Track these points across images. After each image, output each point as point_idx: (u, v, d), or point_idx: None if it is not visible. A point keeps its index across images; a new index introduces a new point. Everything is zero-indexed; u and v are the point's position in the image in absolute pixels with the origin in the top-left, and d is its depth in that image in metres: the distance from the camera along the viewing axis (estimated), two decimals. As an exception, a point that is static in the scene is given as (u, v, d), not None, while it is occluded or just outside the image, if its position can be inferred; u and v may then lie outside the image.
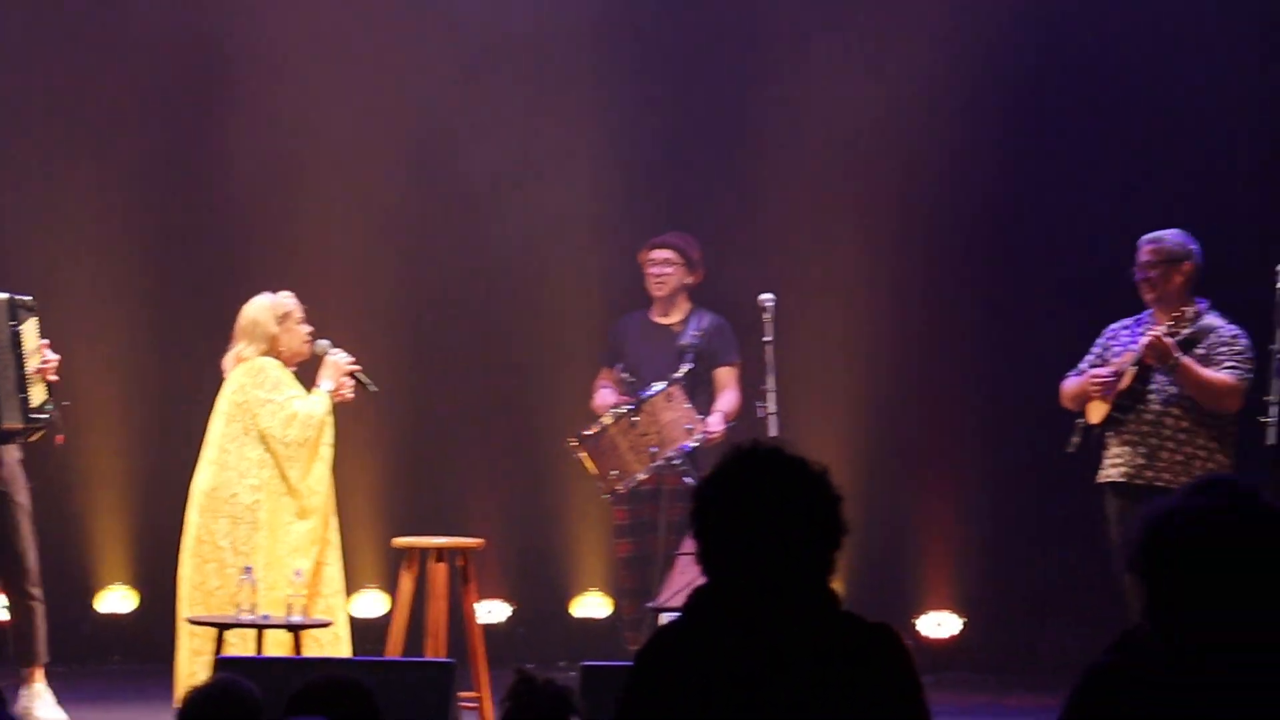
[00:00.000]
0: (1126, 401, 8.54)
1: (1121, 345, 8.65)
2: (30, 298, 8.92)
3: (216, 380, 8.84)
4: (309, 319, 8.92)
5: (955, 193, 10.90)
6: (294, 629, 8.20)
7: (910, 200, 10.86)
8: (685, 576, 7.92)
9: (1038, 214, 10.87)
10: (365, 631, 10.62)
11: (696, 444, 9.57)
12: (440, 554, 8.77)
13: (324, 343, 8.93)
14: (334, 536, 8.79)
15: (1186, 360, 8.37)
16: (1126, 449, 8.55)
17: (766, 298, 9.51)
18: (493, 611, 10.98)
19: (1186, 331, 8.42)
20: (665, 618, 8.43)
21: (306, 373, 8.89)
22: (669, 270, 9.98)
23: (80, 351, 10.02)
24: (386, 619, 9.36)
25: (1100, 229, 10.30)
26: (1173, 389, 8.46)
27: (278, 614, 8.24)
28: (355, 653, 8.83)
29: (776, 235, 10.86)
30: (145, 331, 10.99)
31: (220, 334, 8.96)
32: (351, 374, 8.90)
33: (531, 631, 11.15)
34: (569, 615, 11.10)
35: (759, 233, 10.88)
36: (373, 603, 10.95)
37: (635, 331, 10.07)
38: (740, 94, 11.07)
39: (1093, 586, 9.56)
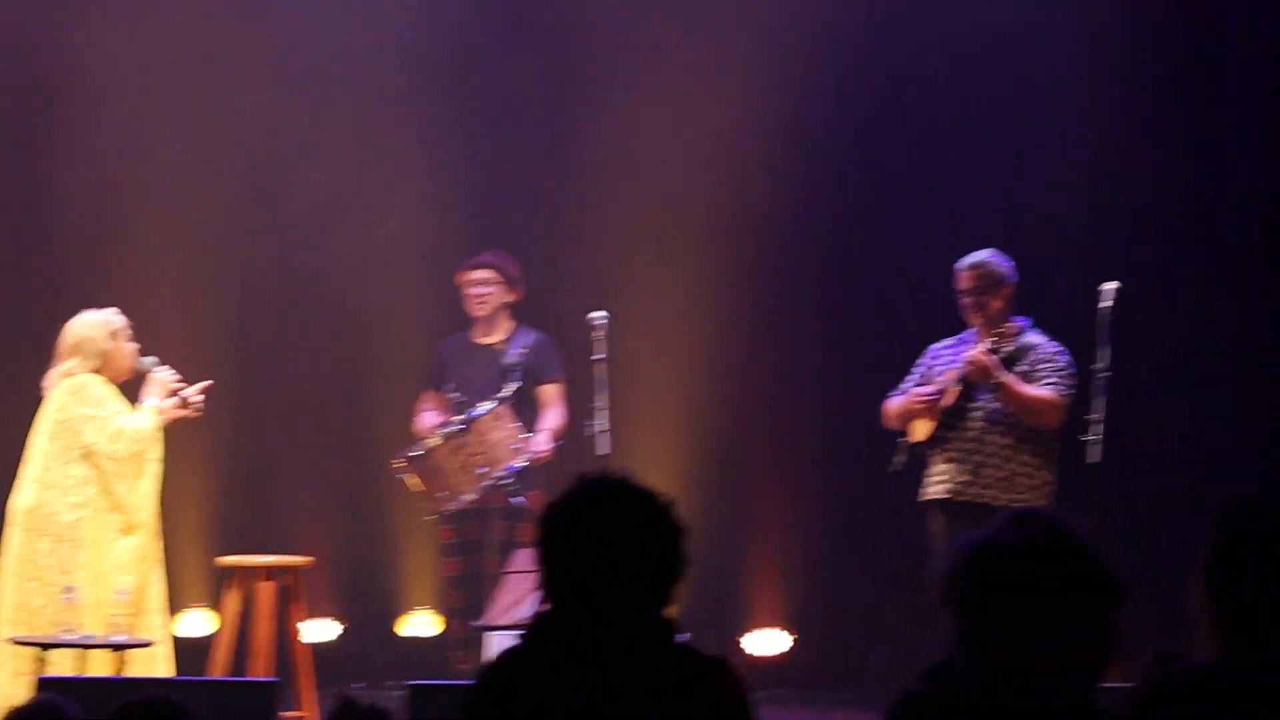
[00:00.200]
0: (950, 419, 8.63)
1: (944, 364, 8.75)
2: None
3: (37, 399, 8.72)
4: (133, 337, 8.83)
5: (786, 215, 10.96)
6: (117, 648, 8.10)
7: (741, 221, 10.91)
8: (512, 595, 7.91)
9: (866, 236, 10.95)
10: (191, 650, 10.51)
11: (525, 463, 9.56)
12: (267, 572, 8.71)
13: (149, 359, 8.84)
14: (158, 554, 8.69)
15: (1009, 378, 8.47)
16: (950, 466, 8.64)
17: (597, 315, 9.52)
18: (321, 630, 10.89)
19: (1008, 349, 8.49)
20: (493, 636, 8.42)
21: (127, 391, 8.78)
22: (488, 290, 9.97)
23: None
24: (213, 638, 9.25)
25: (927, 250, 10.39)
26: (995, 406, 8.57)
27: (101, 633, 8.13)
28: (180, 672, 8.73)
29: (607, 255, 10.88)
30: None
31: (39, 353, 8.83)
32: (177, 392, 8.79)
33: (360, 650, 11.07)
34: (397, 634, 11.04)
35: (589, 252, 10.90)
36: (199, 622, 10.83)
37: (458, 353, 10.05)
38: (571, 117, 11.08)
39: (919, 604, 9.65)
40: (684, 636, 3.93)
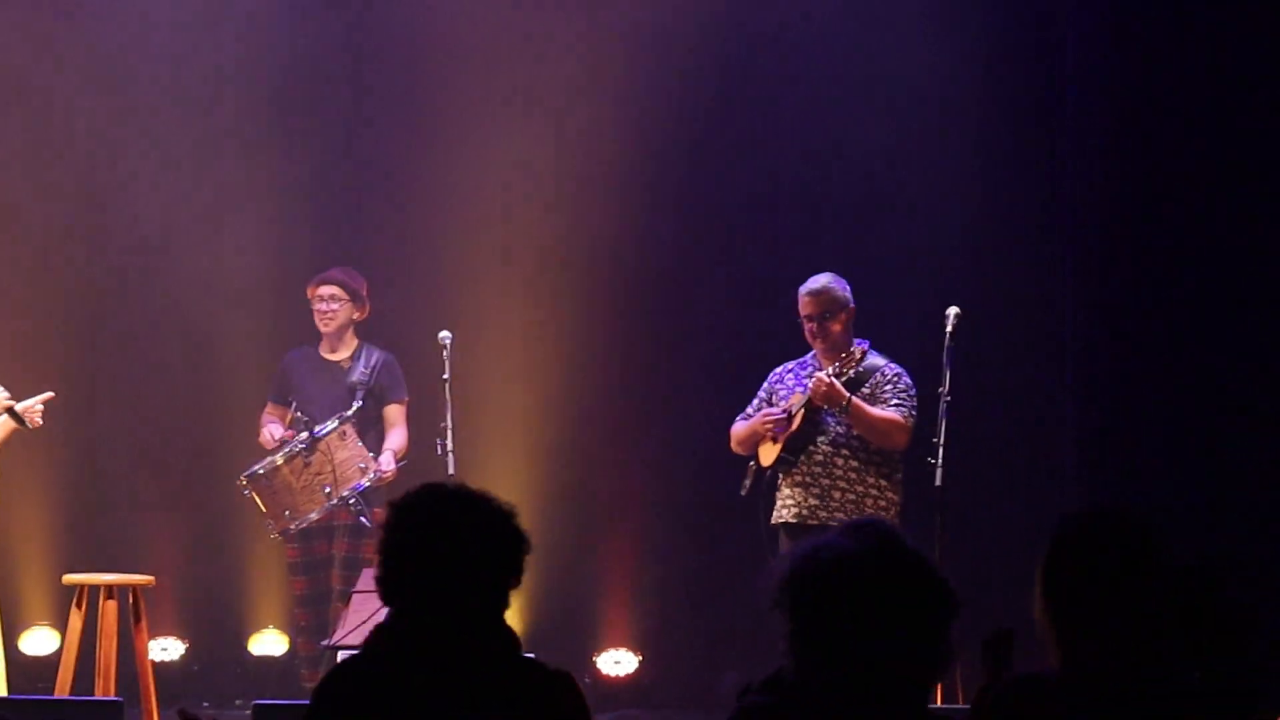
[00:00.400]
0: (797, 443, 8.69)
1: (788, 389, 8.81)
2: None
3: None
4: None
5: (632, 238, 10.99)
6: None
7: (587, 243, 10.93)
8: (360, 614, 7.87)
9: (711, 259, 11.00)
10: (35, 669, 10.42)
11: (369, 483, 9.53)
12: (110, 591, 8.62)
13: None
14: None
15: (856, 401, 8.54)
16: (799, 490, 8.70)
17: (444, 335, 9.51)
18: (167, 649, 10.82)
19: (853, 373, 8.57)
20: (343, 656, 8.37)
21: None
22: (335, 306, 9.93)
23: None
24: (56, 657, 9.16)
25: (772, 274, 10.46)
26: (841, 430, 8.65)
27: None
28: (24, 691, 8.63)
29: (455, 276, 10.87)
30: None
31: None
32: (9, 409, 8.62)
33: (207, 669, 11.00)
34: (246, 653, 10.97)
35: (434, 272, 10.89)
36: (43, 640, 10.72)
37: (304, 367, 10.01)
38: (415, 137, 11.08)
39: (767, 626, 9.68)
40: (527, 657, 3.95)
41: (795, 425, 8.67)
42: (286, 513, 9.54)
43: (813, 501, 8.66)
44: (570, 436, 10.93)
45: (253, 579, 10.88)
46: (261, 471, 9.54)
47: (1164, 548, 3.77)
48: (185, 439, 10.99)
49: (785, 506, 8.74)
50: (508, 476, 10.46)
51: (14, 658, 10.35)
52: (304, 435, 9.54)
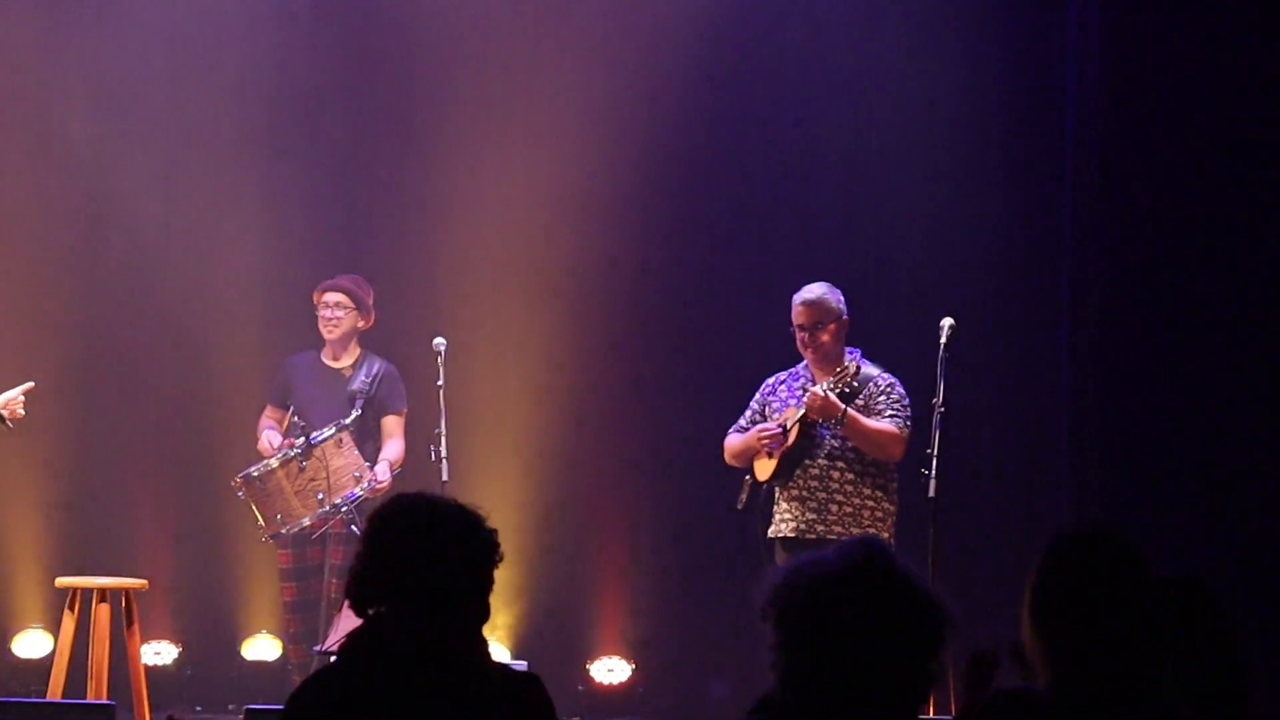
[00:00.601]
0: (793, 458, 8.66)
1: (781, 401, 8.79)
2: None
3: None
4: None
5: (628, 249, 11.01)
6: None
7: (584, 255, 10.95)
8: (352, 621, 7.86)
9: (707, 271, 11.01)
10: (28, 672, 10.42)
11: (363, 492, 9.54)
12: (104, 594, 8.63)
13: None
14: None
15: (852, 413, 8.53)
16: (796, 505, 8.68)
17: (439, 342, 9.53)
18: (161, 653, 10.82)
19: (847, 388, 8.55)
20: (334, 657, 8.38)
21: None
22: (340, 314, 9.94)
23: None
24: (49, 660, 9.17)
25: (768, 285, 10.47)
26: (837, 443, 8.63)
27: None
28: (16, 694, 8.63)
29: (450, 283, 10.89)
30: None
31: None
32: None
33: (200, 673, 11.00)
34: (240, 657, 10.97)
35: (433, 280, 10.91)
36: (36, 643, 10.72)
37: (305, 372, 10.02)
38: (416, 151, 11.10)
39: (759, 636, 9.68)
40: (519, 664, 3.97)
41: (791, 440, 8.64)
42: (278, 516, 9.55)
43: (810, 516, 8.63)
44: (565, 444, 10.94)
45: (246, 583, 10.89)
46: (256, 474, 9.55)
47: (1149, 568, 3.78)
48: (180, 443, 11.00)
49: (784, 521, 8.71)
50: (502, 483, 10.48)
51: (6, 660, 10.38)
52: (300, 441, 9.55)
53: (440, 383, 9.42)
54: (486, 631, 4.00)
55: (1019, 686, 3.84)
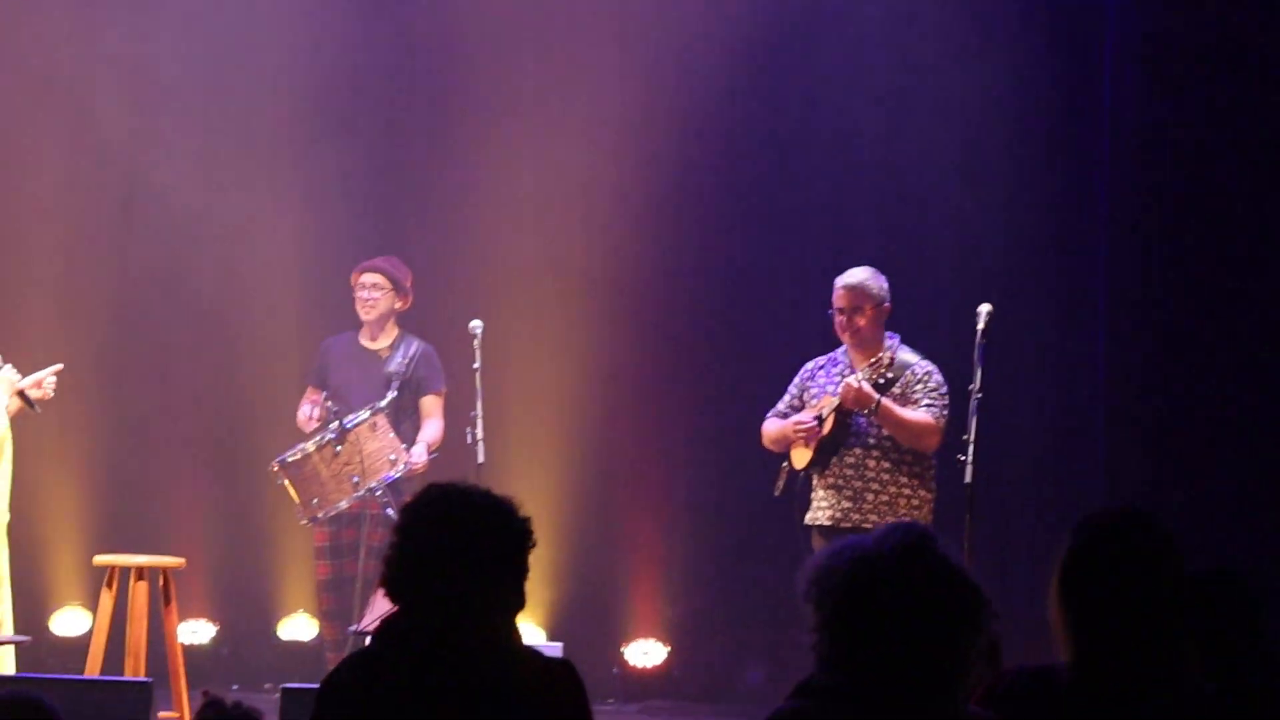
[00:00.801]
0: (829, 446, 8.66)
1: (819, 387, 8.77)
2: None
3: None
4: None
5: (667, 233, 11.02)
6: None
7: (622, 238, 10.96)
8: (387, 602, 7.89)
9: (745, 256, 11.01)
10: (66, 650, 10.49)
11: (399, 475, 9.56)
12: (141, 572, 8.67)
13: None
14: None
15: (886, 403, 8.51)
16: (832, 492, 8.68)
17: (475, 325, 9.54)
18: (197, 632, 10.88)
19: (881, 379, 8.54)
20: (367, 641, 8.41)
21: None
22: (377, 295, 9.95)
23: None
24: (87, 637, 9.22)
25: (807, 268, 10.49)
26: (872, 432, 8.62)
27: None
28: (54, 670, 8.68)
29: (488, 268, 10.91)
30: None
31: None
32: (20, 392, 8.64)
33: (237, 652, 11.06)
34: (276, 636, 11.03)
35: (470, 263, 10.93)
36: (74, 621, 10.79)
37: (342, 353, 10.04)
38: (454, 132, 11.12)
39: (794, 621, 9.69)
40: (555, 647, 4.00)
41: (826, 429, 8.64)
42: (315, 501, 9.57)
43: (846, 504, 8.63)
44: (602, 427, 10.96)
45: (283, 562, 10.94)
46: (292, 458, 9.57)
47: (1178, 551, 3.78)
48: (218, 423, 11.05)
49: (820, 509, 8.72)
50: (537, 466, 10.51)
51: (45, 638, 10.45)
52: (334, 425, 9.57)
53: (477, 366, 9.43)
54: (522, 615, 4.03)
55: (1039, 664, 3.84)
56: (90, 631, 9.17)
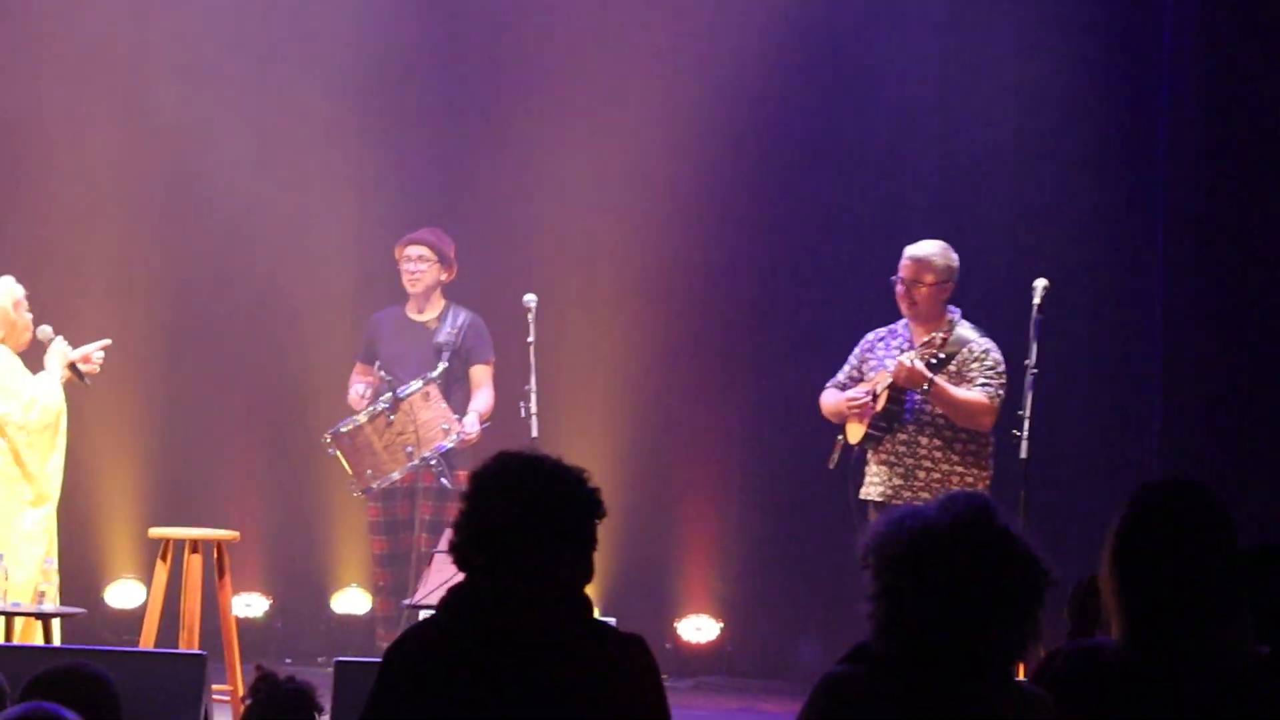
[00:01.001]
0: (882, 422, 8.63)
1: (878, 359, 8.73)
2: None
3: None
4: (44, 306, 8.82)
5: (724, 206, 11.02)
6: (44, 618, 8.10)
7: (678, 209, 10.96)
8: (441, 574, 7.91)
9: (802, 228, 11.00)
10: (121, 621, 10.56)
11: (452, 445, 9.59)
12: (196, 545, 8.71)
13: (46, 329, 8.72)
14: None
15: (939, 383, 8.45)
16: (884, 469, 8.66)
17: (529, 298, 9.56)
18: (251, 605, 10.94)
19: (934, 360, 8.47)
20: (423, 615, 8.43)
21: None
22: (422, 267, 9.98)
23: None
24: (142, 609, 9.27)
25: (862, 243, 10.47)
26: (926, 409, 8.57)
27: (27, 602, 8.13)
28: (109, 643, 8.72)
29: (541, 239, 10.92)
30: None
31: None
32: (72, 364, 8.68)
33: (290, 626, 11.11)
34: (330, 610, 11.08)
35: (524, 236, 10.94)
36: (129, 593, 10.86)
37: (390, 327, 10.07)
38: (509, 102, 11.14)
39: (848, 597, 9.67)
40: (608, 621, 3.99)
41: (880, 405, 8.62)
42: (369, 471, 9.62)
43: (897, 481, 8.61)
44: (655, 400, 10.97)
45: (337, 537, 10.99)
46: (346, 430, 9.62)
47: (1234, 524, 3.73)
48: (272, 397, 11.12)
49: (872, 484, 8.70)
50: (591, 439, 10.52)
51: (100, 610, 10.52)
52: (387, 395, 9.60)
53: (531, 339, 9.45)
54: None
55: (1089, 641, 3.81)
56: (145, 604, 9.21)
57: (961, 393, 8.49)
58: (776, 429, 10.77)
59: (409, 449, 9.57)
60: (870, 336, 8.89)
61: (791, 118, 11.04)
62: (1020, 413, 8.41)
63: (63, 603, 8.44)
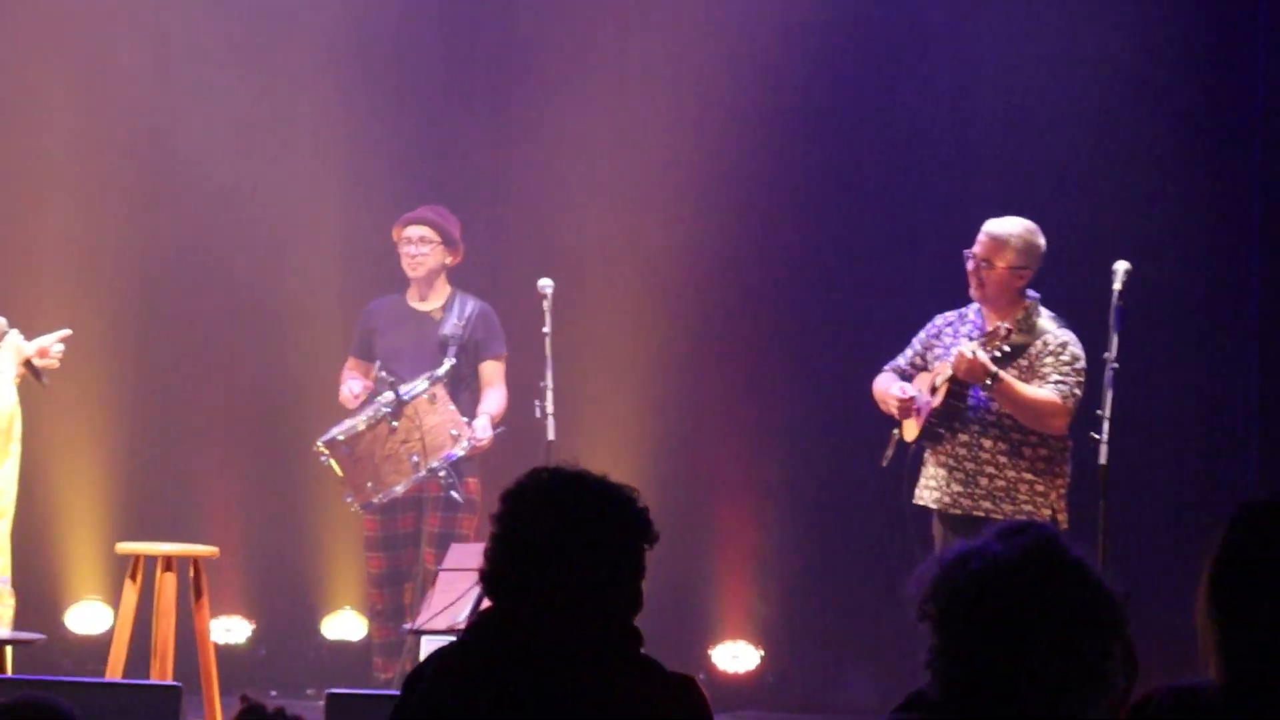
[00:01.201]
0: (941, 419, 8.49)
1: (944, 347, 8.56)
2: None
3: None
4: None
5: (757, 192, 11.00)
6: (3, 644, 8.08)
7: (709, 198, 10.94)
8: (448, 595, 7.86)
9: (846, 219, 10.97)
10: (84, 649, 10.54)
11: (463, 453, 9.51)
12: (169, 563, 8.67)
13: (0, 321, 8.69)
14: None
15: (1006, 379, 8.27)
16: (942, 472, 8.52)
17: (545, 283, 9.47)
18: (231, 630, 10.92)
19: (998, 353, 8.28)
20: (427, 642, 8.36)
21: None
22: (425, 250, 9.90)
23: None
24: (108, 635, 9.24)
25: (917, 235, 10.44)
26: (992, 407, 8.41)
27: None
28: (71, 673, 8.70)
29: (557, 218, 10.91)
30: None
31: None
32: (27, 360, 8.60)
33: (277, 653, 11.09)
34: (320, 636, 11.06)
35: (537, 214, 10.93)
36: (93, 616, 10.82)
37: (389, 317, 9.99)
38: (519, 70, 11.14)
39: (904, 620, 9.63)
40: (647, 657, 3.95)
41: (938, 401, 8.46)
42: (369, 484, 9.52)
43: (956, 488, 8.47)
44: (686, 402, 10.95)
45: (328, 554, 10.97)
46: (342, 437, 9.51)
47: None
48: (255, 395, 11.10)
49: (928, 489, 8.57)
50: (614, 444, 10.49)
51: (60, 635, 10.48)
52: (389, 397, 9.51)
53: (547, 330, 9.37)
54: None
55: (1186, 683, 3.75)
56: (112, 629, 9.19)
57: (1030, 391, 8.33)
58: (821, 428, 10.74)
59: (414, 458, 9.49)
60: (939, 320, 8.74)
61: (841, 92, 11.01)
62: (1099, 413, 8.30)
63: (18, 627, 8.39)
